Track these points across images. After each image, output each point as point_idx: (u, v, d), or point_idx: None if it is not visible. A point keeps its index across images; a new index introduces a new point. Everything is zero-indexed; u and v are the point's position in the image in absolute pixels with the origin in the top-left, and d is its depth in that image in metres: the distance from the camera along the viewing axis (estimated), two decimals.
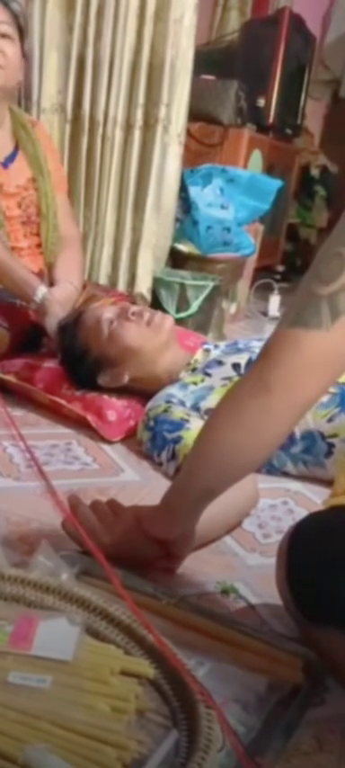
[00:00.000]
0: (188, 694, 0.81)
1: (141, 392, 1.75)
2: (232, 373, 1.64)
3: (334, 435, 1.51)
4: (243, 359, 1.66)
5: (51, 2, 2.51)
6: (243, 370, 1.63)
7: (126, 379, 1.75)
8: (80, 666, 0.83)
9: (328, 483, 1.50)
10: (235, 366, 1.65)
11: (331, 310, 0.84)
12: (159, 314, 1.77)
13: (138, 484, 1.50)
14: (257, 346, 1.69)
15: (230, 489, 1.03)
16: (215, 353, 1.76)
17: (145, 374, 1.74)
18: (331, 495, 1.25)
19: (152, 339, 1.72)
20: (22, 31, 2.06)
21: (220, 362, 1.69)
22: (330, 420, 1.51)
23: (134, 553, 1.09)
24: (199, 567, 1.17)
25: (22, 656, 0.84)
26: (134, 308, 1.76)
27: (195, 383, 1.67)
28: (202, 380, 1.67)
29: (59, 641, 0.86)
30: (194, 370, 1.72)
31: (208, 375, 1.67)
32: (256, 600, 1.11)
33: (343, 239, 0.87)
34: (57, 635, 0.87)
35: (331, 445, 1.52)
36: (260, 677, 0.88)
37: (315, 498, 1.49)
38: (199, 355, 1.77)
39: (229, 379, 1.62)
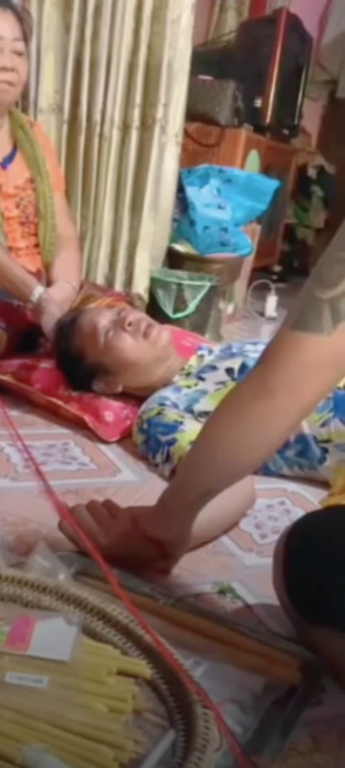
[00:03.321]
0: (185, 694, 0.81)
1: (136, 396, 1.75)
2: (225, 378, 1.64)
3: (328, 440, 1.51)
4: (236, 363, 1.66)
5: (48, 2, 2.51)
6: (236, 375, 1.63)
7: (120, 388, 1.75)
8: (77, 667, 0.83)
9: (325, 483, 1.51)
10: (229, 371, 1.65)
11: (333, 315, 0.84)
12: (157, 327, 1.74)
13: (136, 484, 1.50)
14: (251, 351, 1.69)
15: (227, 490, 1.03)
16: (208, 359, 1.76)
17: (139, 384, 1.74)
18: (329, 496, 1.26)
19: (148, 352, 1.71)
20: (27, 39, 2.08)
21: (214, 367, 1.69)
22: (323, 425, 1.50)
23: (130, 554, 1.09)
24: (197, 568, 1.18)
25: (18, 656, 0.84)
26: (130, 318, 1.73)
27: (188, 387, 1.67)
28: (196, 385, 1.67)
29: (56, 641, 0.86)
30: (188, 374, 1.73)
31: (202, 379, 1.67)
32: (253, 600, 1.11)
33: None
34: (55, 635, 0.87)
35: (324, 450, 1.52)
36: (257, 677, 0.88)
37: (312, 498, 1.49)
38: (193, 361, 1.77)
39: (223, 383, 1.62)
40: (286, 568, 0.97)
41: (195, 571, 1.17)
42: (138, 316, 1.79)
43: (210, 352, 1.80)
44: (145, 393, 1.71)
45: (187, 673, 0.83)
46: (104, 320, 1.74)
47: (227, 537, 1.30)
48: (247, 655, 0.92)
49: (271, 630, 1.03)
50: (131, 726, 0.79)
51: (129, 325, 1.71)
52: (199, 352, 1.80)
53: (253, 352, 1.67)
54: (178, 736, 0.78)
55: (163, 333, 1.74)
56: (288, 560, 0.97)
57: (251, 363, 1.60)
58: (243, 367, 1.63)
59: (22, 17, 2.05)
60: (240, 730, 0.80)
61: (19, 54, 2.01)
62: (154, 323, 1.77)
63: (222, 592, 1.12)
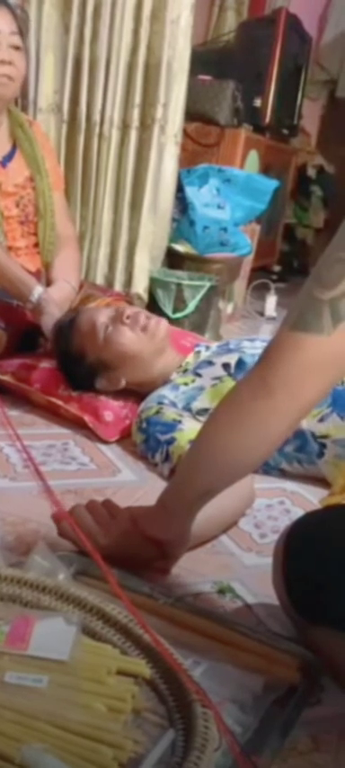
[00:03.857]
0: (184, 694, 0.81)
1: (136, 393, 1.75)
2: (222, 373, 1.64)
3: (326, 436, 1.51)
4: (233, 359, 1.66)
5: (48, 2, 2.51)
6: (232, 370, 1.63)
7: (123, 383, 1.75)
8: (77, 666, 0.83)
9: (324, 482, 1.51)
10: (225, 366, 1.65)
11: (333, 315, 0.84)
12: (154, 318, 1.76)
13: (135, 484, 1.50)
14: (248, 347, 1.69)
15: (226, 489, 1.03)
16: (205, 354, 1.76)
17: (141, 378, 1.74)
18: (329, 495, 1.26)
19: (148, 344, 1.72)
20: (23, 36, 2.09)
21: (210, 363, 1.69)
22: (321, 420, 1.51)
23: (130, 554, 1.09)
24: (196, 567, 1.18)
25: (18, 656, 0.84)
26: (128, 312, 1.74)
27: (186, 384, 1.67)
28: (193, 381, 1.67)
29: (56, 641, 0.86)
30: (185, 371, 1.73)
31: (199, 375, 1.68)
32: (253, 599, 1.11)
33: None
34: (54, 635, 0.87)
35: (322, 446, 1.52)
36: (256, 677, 0.88)
37: (312, 498, 1.49)
38: (190, 358, 1.78)
39: (219, 378, 1.63)
40: (285, 568, 0.97)
41: (194, 571, 1.17)
42: (136, 309, 1.80)
43: (207, 348, 1.81)
44: (147, 390, 1.71)
45: (186, 672, 0.83)
46: (103, 317, 1.75)
47: (227, 536, 1.30)
48: (247, 654, 0.92)
49: (271, 630, 1.03)
50: (130, 725, 0.79)
51: (128, 318, 1.72)
52: (196, 349, 1.81)
53: (250, 348, 1.67)
54: (177, 736, 0.78)
55: (161, 323, 1.75)
56: (288, 560, 0.97)
57: (247, 359, 1.61)
58: (240, 362, 1.63)
59: (16, 13, 2.06)
60: (239, 730, 0.80)
61: (16, 48, 2.02)
62: (151, 315, 1.78)
63: (221, 591, 1.12)
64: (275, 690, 0.87)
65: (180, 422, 1.53)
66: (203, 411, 1.55)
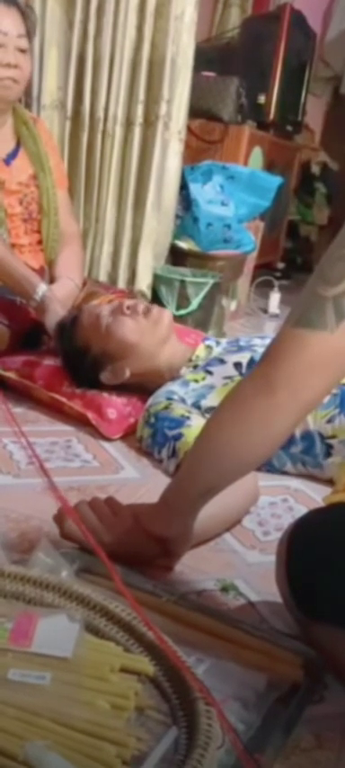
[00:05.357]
0: (187, 691, 0.81)
1: (143, 388, 1.75)
2: (233, 372, 1.63)
3: (333, 437, 1.51)
4: (244, 358, 1.65)
5: None
6: (244, 370, 1.62)
7: (127, 374, 1.74)
8: (80, 663, 0.83)
9: (328, 480, 1.51)
10: (237, 365, 1.65)
11: (336, 312, 0.84)
12: (156, 308, 1.77)
13: (138, 481, 1.50)
14: (259, 345, 1.69)
15: (230, 487, 1.03)
16: (216, 351, 1.76)
17: (146, 369, 1.74)
18: (332, 493, 1.25)
19: (150, 333, 1.72)
20: (31, 37, 2.09)
21: (222, 361, 1.68)
22: (329, 421, 1.50)
23: (132, 551, 1.09)
24: (199, 565, 1.18)
25: (21, 653, 0.84)
26: (128, 302, 1.76)
27: (196, 381, 1.67)
28: (203, 378, 1.67)
29: (59, 638, 0.86)
30: (196, 366, 1.72)
31: (210, 373, 1.67)
32: (256, 597, 1.11)
33: None
34: (57, 632, 0.87)
35: (329, 446, 1.52)
36: (259, 674, 0.88)
37: (315, 496, 1.49)
38: (200, 351, 1.77)
39: (230, 378, 1.62)
40: (288, 566, 0.97)
41: (197, 568, 1.17)
42: (136, 300, 1.81)
43: (218, 343, 1.80)
44: (153, 383, 1.70)
45: (189, 670, 0.83)
46: (104, 311, 1.77)
47: (230, 534, 1.30)
48: (250, 652, 0.92)
49: (274, 628, 1.02)
50: (134, 723, 0.79)
51: (128, 308, 1.73)
52: (207, 342, 1.81)
53: (261, 347, 1.66)
54: (180, 734, 0.78)
55: (164, 312, 1.76)
56: (291, 558, 0.97)
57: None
58: (252, 362, 1.62)
59: (26, 14, 2.05)
60: (242, 728, 0.80)
61: (23, 51, 2.02)
62: (153, 305, 1.78)
63: (224, 589, 1.12)
64: (278, 687, 0.87)
65: (188, 418, 1.52)
66: (212, 409, 1.54)
